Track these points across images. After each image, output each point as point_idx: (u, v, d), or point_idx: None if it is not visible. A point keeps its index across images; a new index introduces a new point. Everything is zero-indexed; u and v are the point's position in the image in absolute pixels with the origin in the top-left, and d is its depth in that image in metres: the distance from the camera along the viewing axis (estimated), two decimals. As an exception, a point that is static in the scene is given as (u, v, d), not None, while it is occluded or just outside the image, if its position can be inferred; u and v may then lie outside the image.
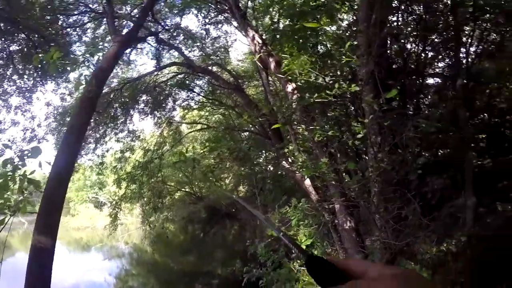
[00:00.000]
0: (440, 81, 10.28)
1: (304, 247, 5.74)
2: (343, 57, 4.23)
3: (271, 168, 13.17)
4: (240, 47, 22.88)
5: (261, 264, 7.02)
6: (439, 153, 9.25)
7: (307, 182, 6.77)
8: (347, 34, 5.65)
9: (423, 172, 7.88)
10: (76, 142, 5.46)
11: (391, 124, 4.97)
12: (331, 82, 4.70)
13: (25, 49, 10.56)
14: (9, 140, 11.40)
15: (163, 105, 14.24)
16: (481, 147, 11.37)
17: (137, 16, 9.10)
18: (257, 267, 7.09)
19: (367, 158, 5.42)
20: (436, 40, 8.89)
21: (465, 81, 8.45)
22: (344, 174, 5.71)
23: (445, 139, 7.92)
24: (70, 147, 5.32)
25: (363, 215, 6.07)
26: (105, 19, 10.12)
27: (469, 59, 9.37)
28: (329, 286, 0.52)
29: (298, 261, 7.09)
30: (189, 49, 13.63)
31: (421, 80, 9.59)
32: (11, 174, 4.01)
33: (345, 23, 7.21)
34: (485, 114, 11.17)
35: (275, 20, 7.67)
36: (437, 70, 10.46)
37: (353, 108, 6.30)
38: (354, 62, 4.11)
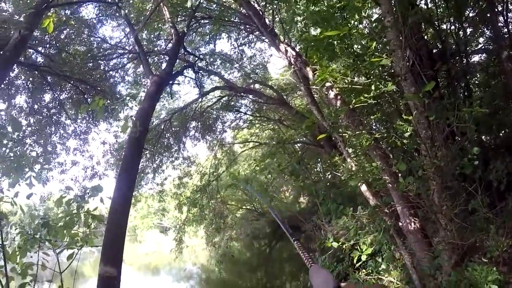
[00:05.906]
0: (485, 57, 9.44)
1: (365, 256, 5.49)
2: (374, 56, 4.05)
3: (329, 177, 12.91)
4: (278, 60, 23.05)
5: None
6: (500, 135, 8.44)
7: (363, 187, 6.50)
8: (375, 31, 5.39)
9: (485, 158, 7.20)
10: (130, 179, 5.77)
11: (439, 115, 4.63)
12: (368, 83, 4.51)
13: (74, 96, 11.49)
14: (71, 179, 12.36)
15: (213, 128, 14.73)
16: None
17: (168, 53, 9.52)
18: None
19: (419, 156, 5.08)
20: (471, 14, 8.25)
21: (511, 52, 7.65)
22: (399, 175, 5.41)
23: (502, 118, 7.19)
24: (125, 184, 5.63)
25: (427, 215, 5.69)
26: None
27: (510, 27, 8.52)
28: None
29: (364, 270, 6.80)
30: (228, 72, 13.99)
31: (465, 60, 8.90)
32: (76, 212, 4.24)
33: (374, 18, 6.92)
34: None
35: (305, 29, 7.58)
36: (479, 46, 9.65)
37: (395, 106, 5.98)
38: (384, 61, 3.92)
